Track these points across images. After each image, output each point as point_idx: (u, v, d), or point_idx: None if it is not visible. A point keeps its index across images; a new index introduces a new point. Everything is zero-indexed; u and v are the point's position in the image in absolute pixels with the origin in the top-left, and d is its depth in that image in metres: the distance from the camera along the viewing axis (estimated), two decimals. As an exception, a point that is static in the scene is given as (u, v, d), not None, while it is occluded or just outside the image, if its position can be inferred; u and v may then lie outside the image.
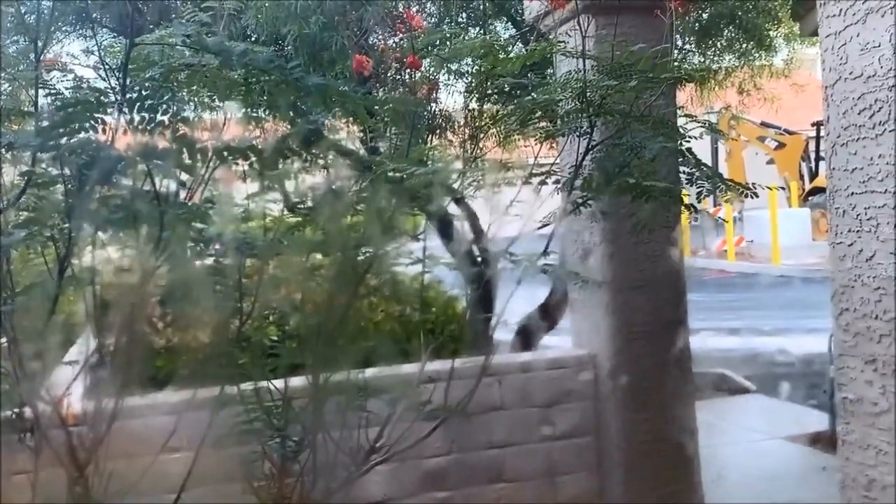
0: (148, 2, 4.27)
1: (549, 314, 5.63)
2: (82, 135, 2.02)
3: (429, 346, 3.17)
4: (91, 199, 2.03)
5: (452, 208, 4.20)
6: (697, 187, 3.63)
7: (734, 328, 11.36)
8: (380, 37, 5.40)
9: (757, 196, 3.69)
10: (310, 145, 2.56)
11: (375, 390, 2.85)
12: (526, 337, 5.66)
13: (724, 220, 18.27)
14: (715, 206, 19.73)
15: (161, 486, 2.60)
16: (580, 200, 3.50)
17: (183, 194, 2.38)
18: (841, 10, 2.44)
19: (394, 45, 4.70)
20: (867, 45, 2.36)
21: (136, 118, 2.03)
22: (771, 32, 8.51)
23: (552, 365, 4.21)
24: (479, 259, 3.76)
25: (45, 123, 2.10)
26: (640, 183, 3.36)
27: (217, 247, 2.42)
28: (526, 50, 3.72)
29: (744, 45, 8.39)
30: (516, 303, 3.29)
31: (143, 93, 2.02)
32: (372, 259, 2.66)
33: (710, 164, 4.22)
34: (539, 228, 3.52)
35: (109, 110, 2.09)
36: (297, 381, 2.75)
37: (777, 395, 7.86)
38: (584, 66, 3.35)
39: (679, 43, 7.34)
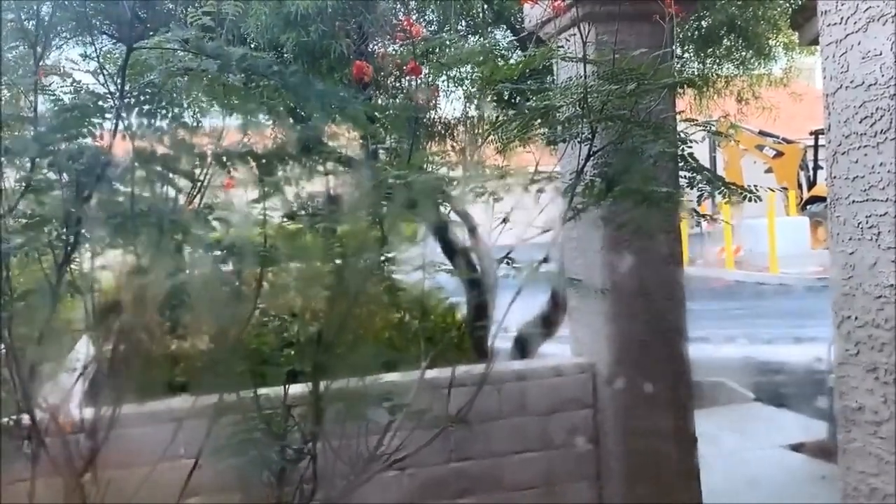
0: (147, 5, 4.26)
1: (548, 322, 5.62)
2: (80, 140, 2.01)
3: (428, 354, 3.16)
4: (89, 205, 2.02)
5: (452, 215, 4.19)
6: (698, 191, 3.63)
7: (733, 336, 11.34)
8: (379, 44, 5.40)
9: (760, 199, 3.67)
10: (309, 152, 2.55)
11: (375, 398, 2.84)
12: (524, 345, 5.65)
13: (725, 221, 18.29)
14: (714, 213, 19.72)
15: (159, 496, 2.58)
16: (581, 207, 3.49)
17: (182, 200, 2.37)
18: (842, 18, 2.43)
19: (394, 52, 4.69)
20: (868, 54, 2.35)
21: (135, 123, 2.02)
22: (770, 41, 8.51)
23: (551, 373, 4.20)
24: (479, 266, 3.75)
25: (43, 129, 2.09)
26: (641, 189, 3.35)
27: (216, 253, 2.41)
28: (525, 56, 3.71)
29: (743, 54, 8.39)
30: (515, 310, 3.28)
31: (142, 98, 2.01)
32: (372, 266, 2.65)
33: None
34: (539, 235, 3.51)
35: (108, 115, 2.08)
36: (297, 389, 2.74)
37: (777, 403, 7.84)
38: (585, 71, 3.34)
39: (679, 51, 7.34)
